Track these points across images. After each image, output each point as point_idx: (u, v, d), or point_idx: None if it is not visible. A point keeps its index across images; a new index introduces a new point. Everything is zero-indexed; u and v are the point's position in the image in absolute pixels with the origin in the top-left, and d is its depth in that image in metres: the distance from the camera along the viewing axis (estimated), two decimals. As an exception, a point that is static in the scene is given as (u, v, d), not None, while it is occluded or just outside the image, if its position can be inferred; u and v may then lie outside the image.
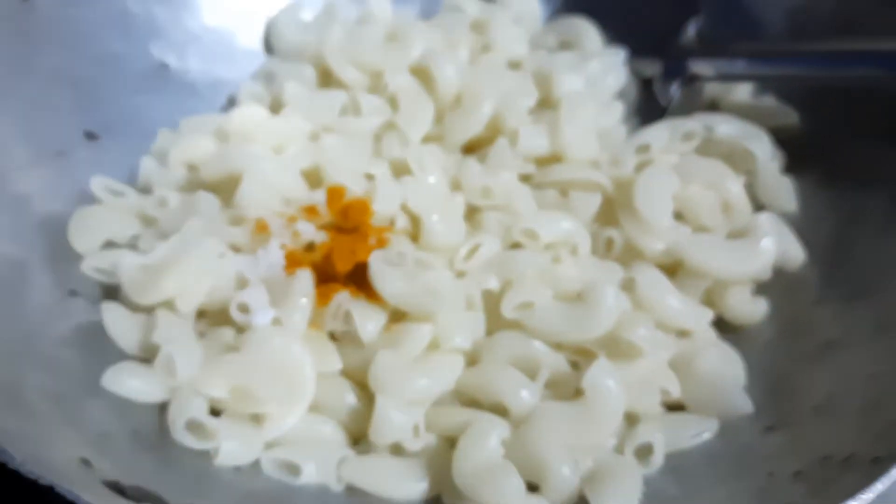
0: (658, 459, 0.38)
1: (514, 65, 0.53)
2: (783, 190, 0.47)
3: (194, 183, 0.46)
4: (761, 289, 0.44)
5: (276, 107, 0.49)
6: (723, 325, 0.44)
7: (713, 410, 0.40)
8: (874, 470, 0.32)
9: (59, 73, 0.46)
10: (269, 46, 0.55)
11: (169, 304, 0.41)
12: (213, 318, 0.42)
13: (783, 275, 0.44)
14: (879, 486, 0.31)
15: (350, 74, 0.50)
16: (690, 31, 0.50)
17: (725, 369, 0.41)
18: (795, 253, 0.44)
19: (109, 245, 0.44)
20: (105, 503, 0.29)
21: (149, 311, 0.41)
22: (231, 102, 0.53)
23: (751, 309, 0.43)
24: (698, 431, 0.39)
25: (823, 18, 0.47)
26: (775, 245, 0.43)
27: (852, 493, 0.31)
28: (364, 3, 0.55)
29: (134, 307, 0.41)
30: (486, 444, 0.37)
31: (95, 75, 0.48)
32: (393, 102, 0.49)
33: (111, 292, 0.42)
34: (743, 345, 0.42)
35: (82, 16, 0.47)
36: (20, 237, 0.41)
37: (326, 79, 0.52)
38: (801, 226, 0.45)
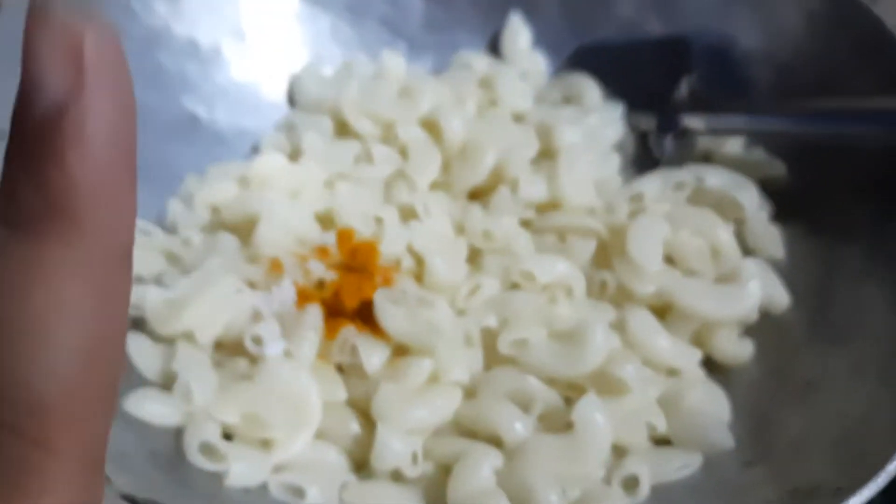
0: (644, 491, 0.40)
1: (519, 118, 0.56)
2: (771, 238, 0.49)
3: (216, 224, 0.49)
4: (748, 331, 0.46)
5: (295, 155, 0.53)
6: (711, 365, 0.46)
7: (697, 445, 0.42)
8: (836, 499, 0.33)
9: (98, 122, 0.50)
10: (291, 100, 0.59)
11: (189, 336, 0.44)
12: (228, 348, 0.45)
13: (769, 318, 0.46)
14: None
15: (364, 126, 0.54)
16: (683, 88, 0.53)
17: (710, 407, 0.43)
18: (780, 297, 0.46)
19: (136, 280, 0.47)
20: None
21: (170, 341, 0.44)
22: (255, 150, 0.56)
23: (737, 350, 0.45)
24: (683, 465, 0.41)
25: (808, 77, 0.50)
26: (761, 289, 0.45)
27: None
28: (380, 60, 0.59)
29: (156, 338, 0.44)
30: (479, 472, 0.39)
31: (131, 125, 0.52)
32: (403, 152, 0.53)
33: (136, 324, 0.46)
34: (729, 384, 0.44)
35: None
36: (56, 271, 0.45)
37: (343, 129, 0.55)
38: (787, 272, 0.47)
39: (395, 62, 0.58)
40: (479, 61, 0.59)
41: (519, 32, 0.61)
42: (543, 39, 0.61)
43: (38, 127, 0.15)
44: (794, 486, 0.36)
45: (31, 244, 0.15)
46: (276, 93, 0.59)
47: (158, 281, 0.48)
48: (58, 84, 0.15)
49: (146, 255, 0.48)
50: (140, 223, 0.49)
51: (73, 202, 0.15)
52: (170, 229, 0.51)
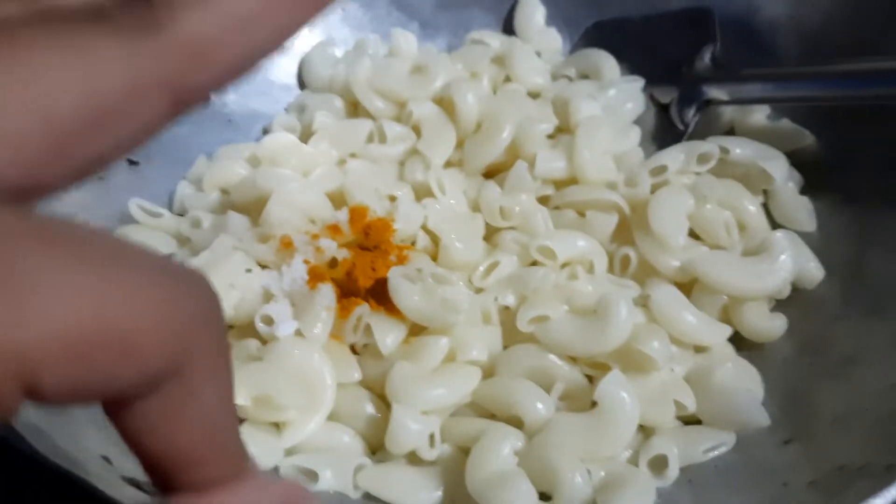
0: (673, 472, 0.38)
1: (535, 95, 0.54)
2: (801, 210, 0.47)
3: (226, 205, 0.48)
4: (780, 306, 0.44)
5: (306, 136, 0.52)
6: (741, 342, 0.43)
7: (729, 424, 0.40)
8: (888, 476, 0.31)
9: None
10: (302, 81, 0.58)
11: (198, 317, 0.42)
12: (239, 330, 0.43)
13: (802, 292, 0.44)
14: (893, 491, 0.30)
15: (376, 104, 0.52)
16: (705, 57, 0.51)
17: (742, 383, 0.41)
18: (813, 270, 0.44)
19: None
20: (118, 493, 0.30)
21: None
22: (266, 133, 0.55)
23: (768, 325, 0.43)
24: (715, 444, 0.39)
25: (836, 41, 0.48)
26: (792, 262, 0.43)
27: (864, 497, 0.30)
28: (392, 39, 0.57)
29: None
30: (499, 452, 0.38)
31: (139, 107, 0.51)
32: (416, 130, 0.51)
33: (145, 306, 0.44)
34: (761, 361, 0.42)
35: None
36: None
37: (354, 110, 0.54)
38: (819, 245, 0.45)
39: (407, 40, 0.57)
40: (493, 38, 0.58)
41: (534, 9, 0.59)
42: (558, 16, 0.60)
43: None
44: (839, 465, 0.34)
45: None
46: (286, 75, 0.58)
47: (167, 264, 0.47)
48: None
49: (155, 237, 0.47)
50: (149, 206, 0.48)
51: None
52: (180, 212, 0.50)
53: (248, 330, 0.42)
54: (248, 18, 0.17)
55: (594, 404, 0.38)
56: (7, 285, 0.12)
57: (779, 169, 0.46)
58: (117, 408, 0.15)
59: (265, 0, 0.17)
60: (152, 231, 0.47)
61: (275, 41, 0.18)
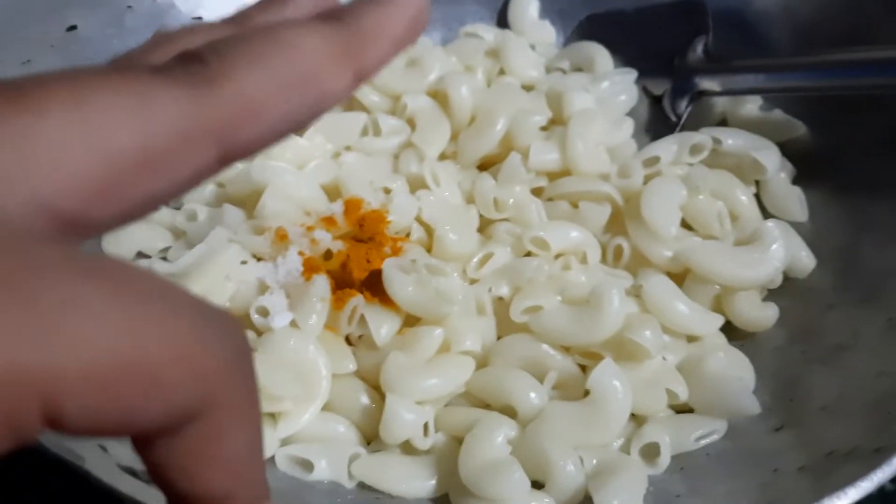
0: (665, 459, 0.38)
1: (529, 88, 0.55)
2: (793, 200, 0.47)
3: (222, 198, 0.48)
4: (772, 295, 0.45)
5: (301, 131, 0.52)
6: (733, 331, 0.44)
7: (721, 412, 0.40)
8: (875, 459, 0.32)
9: (101, 99, 0.50)
10: (297, 76, 0.58)
11: (194, 309, 0.43)
12: (235, 322, 0.43)
13: (794, 282, 0.45)
14: (879, 474, 0.31)
15: (371, 98, 0.52)
16: (698, 49, 0.51)
17: (734, 372, 0.41)
18: (806, 260, 0.45)
19: (141, 256, 0.47)
20: (115, 481, 0.31)
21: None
22: (260, 127, 0.55)
23: (760, 315, 0.44)
24: (706, 432, 0.39)
25: (829, 32, 0.49)
26: (784, 251, 0.43)
27: (852, 481, 0.31)
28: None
29: (161, 312, 0.43)
30: (492, 441, 0.38)
31: (134, 101, 0.51)
32: (411, 123, 0.51)
33: (141, 299, 0.45)
34: (752, 350, 0.43)
35: (124, 45, 0.51)
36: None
37: (349, 103, 0.54)
38: (811, 235, 0.46)
39: (402, 34, 0.57)
40: (487, 32, 0.58)
41: (527, 3, 0.59)
42: (552, 9, 0.60)
43: None
44: (828, 450, 0.34)
45: None
46: (281, 69, 0.58)
47: (164, 258, 0.47)
48: None
49: (150, 230, 0.47)
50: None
51: None
52: (175, 205, 0.50)
53: (244, 321, 0.42)
54: (296, 82, 0.17)
55: (587, 393, 0.39)
56: (40, 310, 0.12)
57: (771, 159, 0.47)
58: (143, 442, 0.15)
59: (314, 65, 0.18)
60: (148, 224, 0.48)
61: (320, 106, 0.18)
